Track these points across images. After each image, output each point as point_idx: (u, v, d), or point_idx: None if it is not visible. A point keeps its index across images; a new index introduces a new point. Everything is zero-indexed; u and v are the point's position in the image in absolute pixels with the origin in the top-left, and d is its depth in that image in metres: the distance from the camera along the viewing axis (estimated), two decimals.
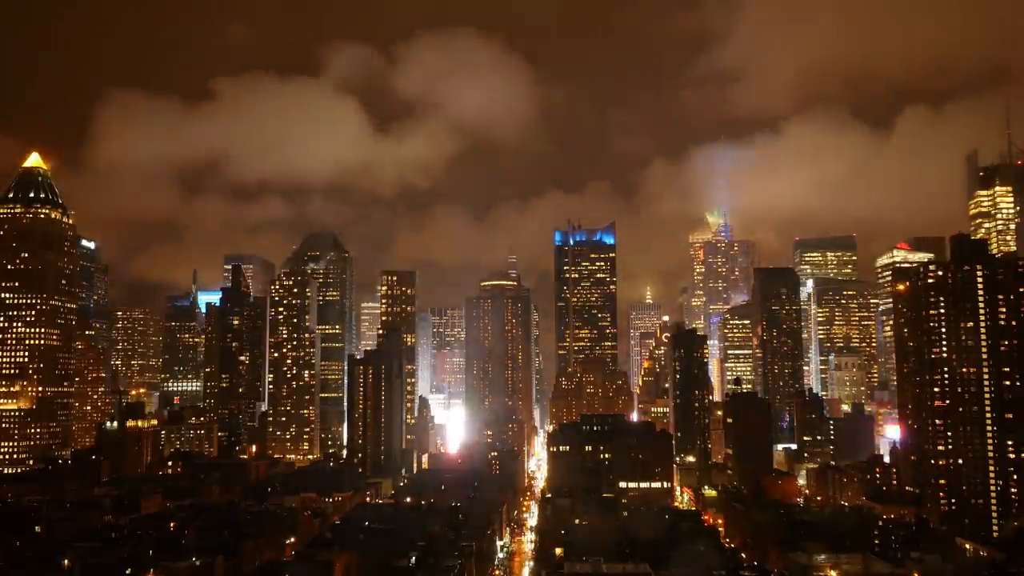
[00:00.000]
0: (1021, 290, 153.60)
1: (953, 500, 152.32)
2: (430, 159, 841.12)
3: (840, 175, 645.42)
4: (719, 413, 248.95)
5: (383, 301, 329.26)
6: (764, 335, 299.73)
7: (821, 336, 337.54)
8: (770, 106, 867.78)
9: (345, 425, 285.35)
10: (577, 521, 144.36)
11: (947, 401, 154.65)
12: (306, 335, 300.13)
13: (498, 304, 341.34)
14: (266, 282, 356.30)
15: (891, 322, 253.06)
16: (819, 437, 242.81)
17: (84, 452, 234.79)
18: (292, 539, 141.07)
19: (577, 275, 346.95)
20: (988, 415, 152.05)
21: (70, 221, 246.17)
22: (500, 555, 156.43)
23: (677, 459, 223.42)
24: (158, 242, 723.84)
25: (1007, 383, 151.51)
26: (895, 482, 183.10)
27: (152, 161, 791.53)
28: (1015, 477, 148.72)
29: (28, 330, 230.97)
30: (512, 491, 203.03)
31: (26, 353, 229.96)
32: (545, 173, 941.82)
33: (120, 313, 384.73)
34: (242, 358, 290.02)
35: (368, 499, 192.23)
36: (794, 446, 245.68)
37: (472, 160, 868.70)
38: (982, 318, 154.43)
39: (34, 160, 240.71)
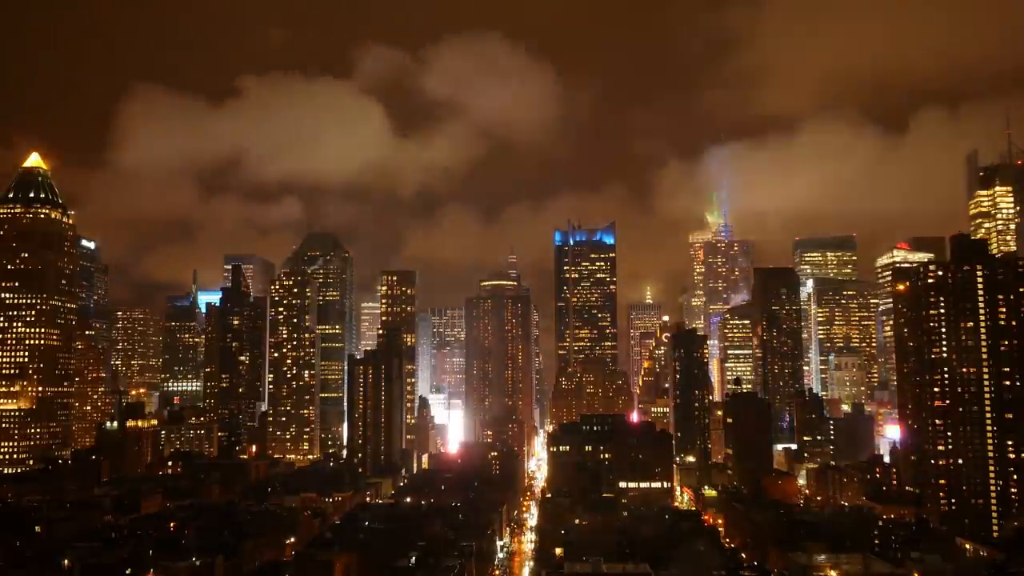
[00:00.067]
0: (1021, 290, 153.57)
1: (953, 500, 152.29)
2: (449, 162, 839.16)
3: (849, 176, 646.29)
4: (719, 413, 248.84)
5: (383, 301, 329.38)
6: (764, 335, 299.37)
7: (821, 336, 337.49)
8: (787, 108, 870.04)
9: (345, 425, 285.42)
10: (577, 521, 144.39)
11: (947, 401, 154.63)
12: (306, 335, 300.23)
13: (498, 304, 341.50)
14: (266, 282, 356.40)
15: (891, 322, 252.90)
16: (819, 437, 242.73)
17: (84, 452, 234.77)
18: (292, 539, 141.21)
19: (577, 275, 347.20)
20: (988, 415, 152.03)
21: (70, 221, 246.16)
22: (500, 555, 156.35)
23: (677, 459, 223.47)
24: (172, 242, 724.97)
25: (1007, 383, 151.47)
26: (895, 482, 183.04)
27: (171, 159, 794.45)
28: (1015, 477, 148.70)
29: (28, 330, 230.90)
30: (512, 491, 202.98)
31: (26, 353, 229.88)
32: (560, 175, 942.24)
33: (120, 313, 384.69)
34: (242, 358, 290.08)
35: (368, 499, 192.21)
36: (794, 446, 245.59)
37: (489, 162, 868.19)
38: (982, 318, 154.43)
39: (34, 160, 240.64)
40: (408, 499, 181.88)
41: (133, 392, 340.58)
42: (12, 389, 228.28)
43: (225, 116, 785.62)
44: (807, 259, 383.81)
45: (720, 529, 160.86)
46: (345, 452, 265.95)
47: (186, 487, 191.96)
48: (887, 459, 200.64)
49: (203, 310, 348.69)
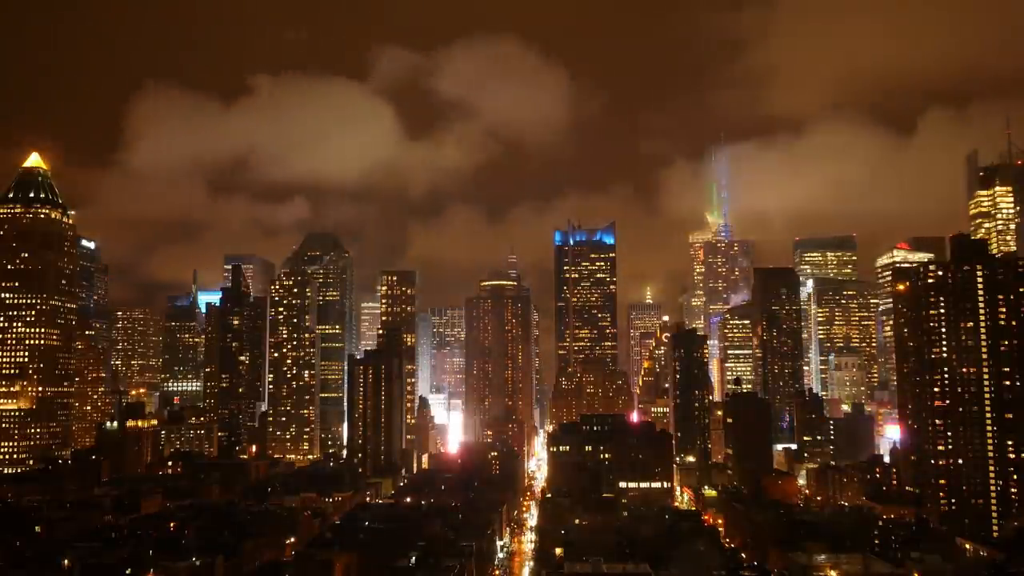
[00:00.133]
0: (1021, 290, 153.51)
1: (953, 500, 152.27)
2: (458, 163, 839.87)
3: (853, 177, 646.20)
4: (719, 413, 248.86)
5: (383, 301, 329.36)
6: (764, 335, 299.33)
7: (821, 336, 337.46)
8: (796, 108, 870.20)
9: (345, 425, 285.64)
10: (577, 521, 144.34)
11: (947, 401, 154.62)
12: (306, 335, 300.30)
13: (498, 304, 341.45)
14: (266, 282, 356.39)
15: (891, 322, 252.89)
16: (819, 437, 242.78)
17: (84, 452, 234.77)
18: (292, 539, 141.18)
19: (577, 275, 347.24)
20: (988, 415, 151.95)
21: (70, 221, 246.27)
22: (500, 555, 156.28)
23: (677, 459, 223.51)
24: (179, 242, 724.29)
25: (1007, 383, 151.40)
26: (895, 482, 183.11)
27: (181, 158, 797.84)
28: (1015, 477, 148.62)
29: (28, 330, 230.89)
30: (512, 491, 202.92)
31: (26, 353, 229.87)
32: (566, 175, 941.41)
33: (120, 313, 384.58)
34: (242, 358, 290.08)
35: (368, 499, 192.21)
36: (794, 446, 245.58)
37: (497, 163, 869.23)
38: (982, 318, 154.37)
39: (34, 160, 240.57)
40: (408, 499, 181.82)
41: (133, 392, 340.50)
42: (12, 389, 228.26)
43: (236, 115, 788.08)
44: (807, 259, 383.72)
45: (720, 529, 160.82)
46: (345, 452, 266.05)
47: (186, 487, 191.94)
48: (887, 459, 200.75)
49: (203, 310, 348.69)
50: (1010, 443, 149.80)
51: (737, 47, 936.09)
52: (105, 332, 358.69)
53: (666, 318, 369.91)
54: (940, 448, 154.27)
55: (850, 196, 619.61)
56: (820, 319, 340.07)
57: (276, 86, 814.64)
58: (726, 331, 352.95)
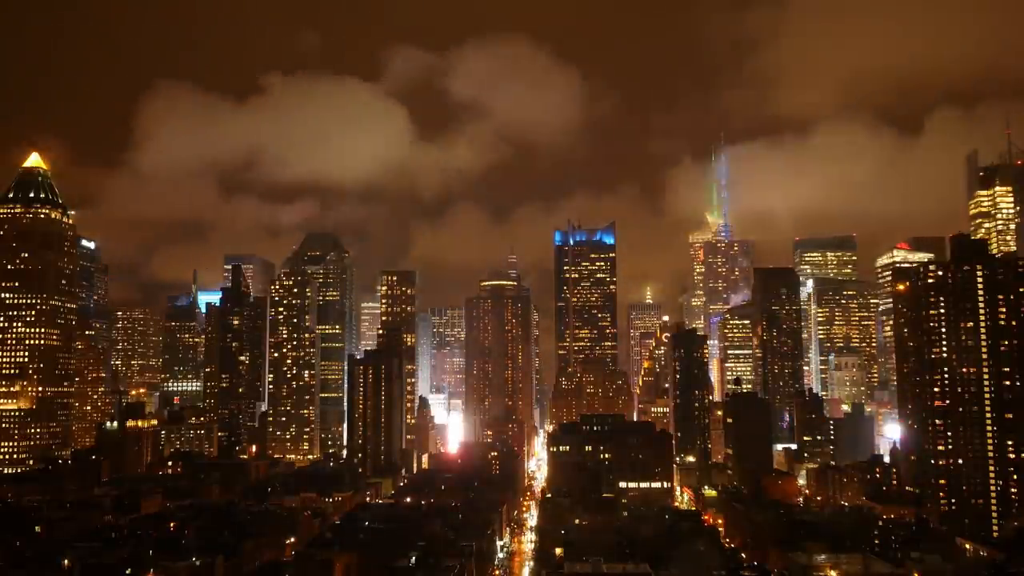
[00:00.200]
0: (1021, 290, 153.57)
1: (953, 500, 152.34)
2: (467, 164, 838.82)
3: (858, 177, 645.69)
4: (719, 413, 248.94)
5: (383, 301, 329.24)
6: (764, 335, 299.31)
7: (821, 336, 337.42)
8: (804, 109, 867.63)
9: (345, 425, 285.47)
10: (577, 521, 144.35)
11: (947, 401, 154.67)
12: (306, 335, 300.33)
13: (498, 304, 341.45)
14: (266, 282, 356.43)
15: (891, 322, 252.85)
16: (819, 437, 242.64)
17: (84, 452, 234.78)
18: (292, 539, 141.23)
19: (577, 275, 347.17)
20: (988, 415, 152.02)
21: (70, 221, 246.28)
22: (500, 555, 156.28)
23: (677, 459, 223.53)
24: (186, 243, 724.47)
25: (1007, 383, 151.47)
26: (895, 482, 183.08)
27: (190, 157, 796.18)
28: (1015, 477, 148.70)
29: (28, 330, 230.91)
30: (512, 491, 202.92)
31: (26, 353, 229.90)
32: (574, 175, 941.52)
33: (120, 313, 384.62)
34: (242, 358, 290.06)
35: (368, 499, 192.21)
36: (794, 446, 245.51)
37: (506, 164, 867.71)
38: (982, 318, 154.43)
39: (34, 160, 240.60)
40: (408, 499, 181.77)
41: (133, 392, 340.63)
42: (12, 389, 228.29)
43: (247, 114, 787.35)
44: (807, 259, 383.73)
45: (720, 529, 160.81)
46: (345, 452, 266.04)
47: (186, 487, 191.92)
48: (887, 459, 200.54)
49: (203, 310, 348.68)
50: (1010, 443, 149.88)
51: (747, 47, 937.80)
52: (105, 332, 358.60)
53: (666, 318, 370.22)
54: (940, 448, 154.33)
55: (853, 196, 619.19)
56: (820, 319, 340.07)
57: (288, 86, 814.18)
58: (726, 331, 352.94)
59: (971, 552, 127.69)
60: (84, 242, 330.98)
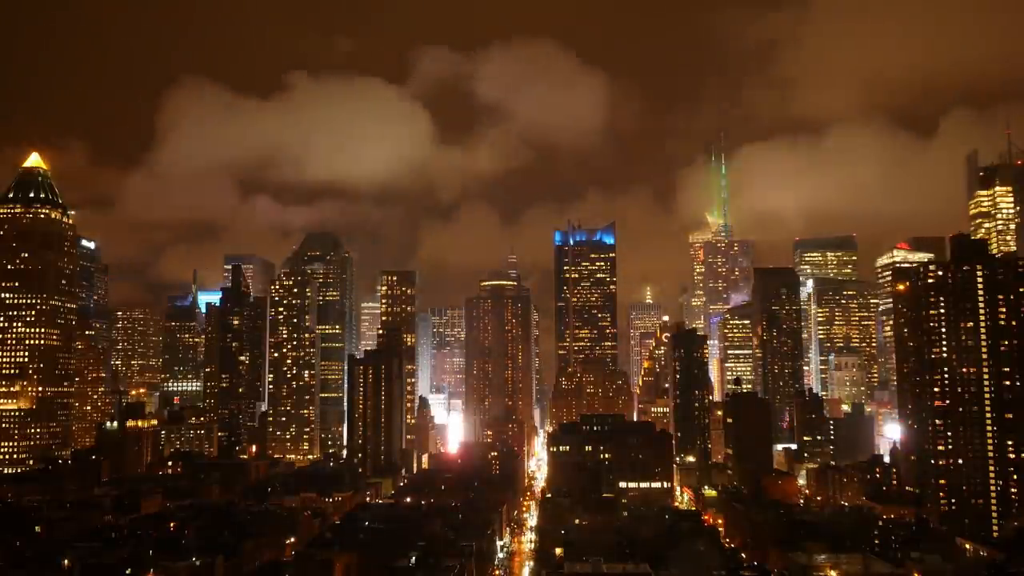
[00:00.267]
0: (1021, 290, 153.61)
1: (953, 500, 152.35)
2: (487, 167, 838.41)
3: (867, 179, 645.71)
4: (719, 413, 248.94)
5: (383, 301, 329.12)
6: (764, 335, 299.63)
7: (821, 336, 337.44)
8: (820, 111, 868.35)
9: (345, 425, 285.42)
10: (577, 521, 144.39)
11: (947, 401, 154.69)
12: (306, 335, 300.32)
13: (498, 304, 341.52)
14: (266, 282, 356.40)
15: (891, 322, 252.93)
16: (819, 437, 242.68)
17: (84, 452, 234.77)
18: (292, 539, 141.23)
19: (577, 275, 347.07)
20: (988, 415, 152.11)
21: (70, 221, 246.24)
22: (500, 555, 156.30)
23: (677, 459, 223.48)
24: (201, 243, 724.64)
25: (1007, 383, 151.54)
26: (895, 482, 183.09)
27: (209, 156, 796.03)
28: (1015, 477, 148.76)
29: (28, 330, 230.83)
30: (512, 491, 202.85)
31: (26, 353, 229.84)
32: (592, 177, 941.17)
33: (120, 313, 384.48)
34: (242, 358, 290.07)
35: (368, 499, 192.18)
36: (794, 446, 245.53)
37: (529, 168, 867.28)
38: (982, 318, 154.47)
39: (34, 160, 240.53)
40: (408, 499, 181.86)
41: (133, 392, 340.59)
42: (12, 389, 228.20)
43: (269, 114, 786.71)
44: (807, 259, 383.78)
45: (720, 529, 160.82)
46: (345, 452, 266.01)
47: (186, 487, 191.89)
48: (887, 459, 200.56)
49: (203, 310, 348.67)
50: (1010, 443, 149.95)
51: (769, 48, 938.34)
52: (105, 332, 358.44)
53: (666, 318, 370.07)
54: (940, 448, 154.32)
55: (859, 197, 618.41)
56: (820, 319, 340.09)
57: (312, 86, 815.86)
58: (726, 331, 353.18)
59: (971, 552, 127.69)
60: (84, 242, 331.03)
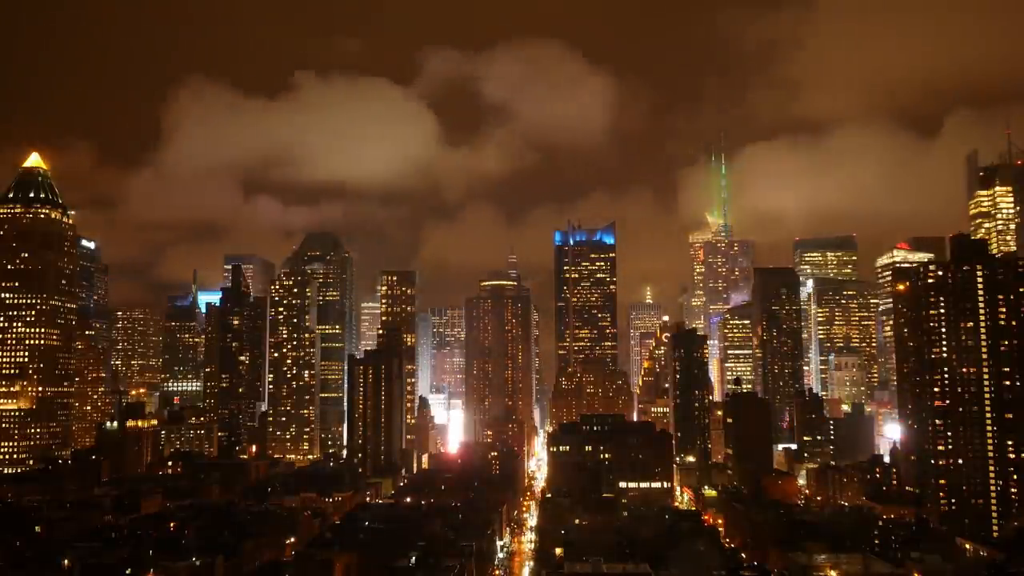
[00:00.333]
0: (1021, 290, 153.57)
1: (953, 500, 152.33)
2: (494, 168, 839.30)
3: (870, 178, 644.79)
4: (719, 413, 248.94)
5: (383, 301, 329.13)
6: (764, 335, 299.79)
7: (821, 336, 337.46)
8: (826, 111, 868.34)
9: (345, 425, 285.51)
10: (577, 521, 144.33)
11: (947, 401, 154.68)
12: (306, 335, 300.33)
13: (498, 304, 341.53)
14: (266, 282, 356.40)
15: (891, 322, 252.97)
16: (819, 437, 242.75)
17: (84, 452, 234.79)
18: (292, 539, 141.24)
19: (577, 275, 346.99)
20: (988, 415, 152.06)
21: (70, 221, 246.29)
22: (500, 555, 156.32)
23: (677, 459, 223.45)
24: (203, 242, 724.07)
25: (1007, 383, 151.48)
26: (895, 482, 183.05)
27: (213, 156, 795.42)
28: (1015, 477, 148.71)
29: (28, 330, 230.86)
30: (512, 491, 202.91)
31: (26, 353, 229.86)
32: (594, 177, 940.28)
33: (120, 313, 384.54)
34: (242, 358, 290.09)
35: (368, 499, 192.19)
36: (794, 446, 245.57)
37: (530, 167, 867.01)
38: (982, 318, 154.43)
39: (34, 160, 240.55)
40: (408, 499, 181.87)
41: (133, 392, 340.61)
42: (12, 389, 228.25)
43: (275, 113, 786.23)
44: (807, 259, 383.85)
45: (720, 529, 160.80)
46: (345, 452, 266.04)
47: (186, 487, 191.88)
48: (887, 459, 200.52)
49: (203, 310, 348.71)
50: (1010, 443, 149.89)
51: (774, 49, 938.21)
52: (105, 332, 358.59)
53: (666, 318, 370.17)
54: (940, 448, 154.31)
55: (860, 197, 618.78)
56: (820, 319, 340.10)
57: (319, 86, 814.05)
58: (726, 331, 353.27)
59: (971, 552, 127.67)
60: (84, 242, 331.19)
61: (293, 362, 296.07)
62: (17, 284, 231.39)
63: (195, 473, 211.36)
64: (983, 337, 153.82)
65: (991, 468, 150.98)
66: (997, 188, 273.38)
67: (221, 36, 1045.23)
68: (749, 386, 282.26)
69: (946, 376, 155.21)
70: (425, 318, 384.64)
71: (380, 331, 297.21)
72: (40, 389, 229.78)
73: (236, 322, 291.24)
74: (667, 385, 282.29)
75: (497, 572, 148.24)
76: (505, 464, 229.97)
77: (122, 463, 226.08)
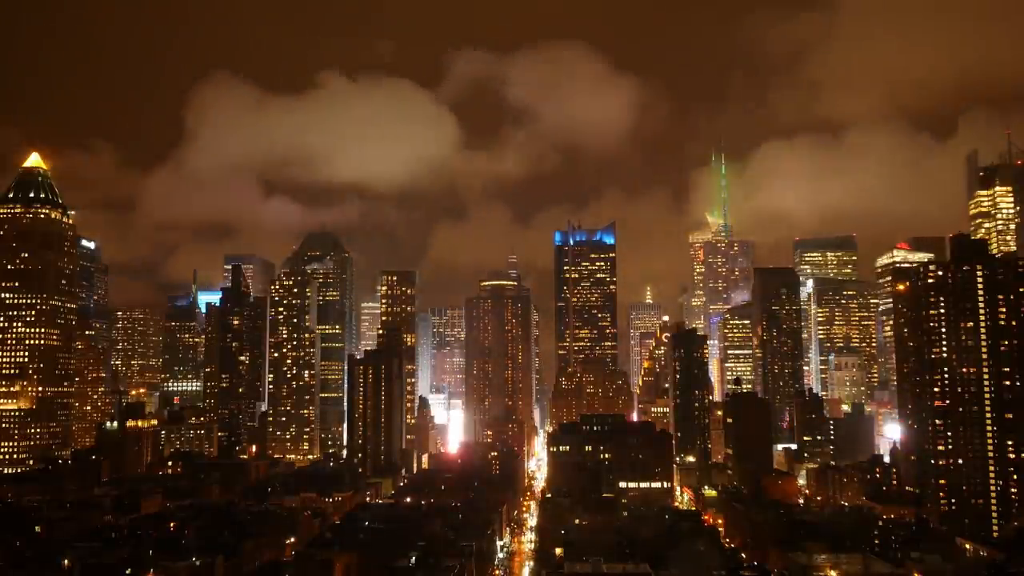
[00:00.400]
0: (1021, 290, 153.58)
1: (953, 500, 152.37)
2: (511, 169, 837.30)
3: (880, 179, 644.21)
4: (719, 413, 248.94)
5: (383, 301, 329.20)
6: (764, 335, 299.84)
7: (821, 336, 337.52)
8: (845, 112, 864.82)
9: (345, 425, 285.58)
10: (577, 521, 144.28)
11: (947, 401, 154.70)
12: (306, 335, 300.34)
13: (498, 304, 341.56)
14: (266, 282, 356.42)
15: (891, 322, 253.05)
16: (819, 437, 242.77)
17: (84, 452, 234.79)
18: (292, 539, 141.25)
19: (577, 275, 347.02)
20: (988, 415, 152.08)
21: (70, 221, 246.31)
22: (500, 555, 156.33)
23: (677, 459, 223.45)
24: (219, 242, 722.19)
25: (1007, 383, 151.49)
26: (895, 482, 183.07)
27: (234, 155, 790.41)
28: (1015, 477, 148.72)
29: (28, 330, 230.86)
30: (512, 491, 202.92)
31: (26, 353, 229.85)
32: (611, 178, 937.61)
33: (120, 313, 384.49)
34: (242, 358, 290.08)
35: (368, 499, 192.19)
36: (794, 446, 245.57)
37: (550, 170, 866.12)
38: (982, 318, 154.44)
39: (34, 160, 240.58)
40: (408, 499, 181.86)
41: (133, 392, 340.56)
42: (12, 389, 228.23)
43: (296, 113, 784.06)
44: (807, 259, 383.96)
45: (720, 529, 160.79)
46: (345, 452, 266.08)
47: (186, 487, 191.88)
48: (887, 459, 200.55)
49: (203, 310, 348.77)
50: (1010, 443, 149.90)
51: (797, 50, 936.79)
52: (105, 332, 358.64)
53: (666, 318, 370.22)
54: (940, 448, 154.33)
55: (862, 198, 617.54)
56: (820, 319, 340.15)
57: (343, 86, 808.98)
58: (726, 331, 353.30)
59: (971, 552, 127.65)
60: (84, 242, 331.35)
61: (293, 362, 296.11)
62: (17, 284, 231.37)
63: (195, 473, 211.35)
64: (983, 337, 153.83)
65: (991, 468, 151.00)
66: (997, 188, 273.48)
67: (252, 34, 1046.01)
68: (749, 386, 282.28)
69: (946, 376, 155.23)
70: (425, 318, 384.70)
71: (380, 331, 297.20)
72: (40, 389, 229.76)
73: (236, 322, 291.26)
74: (667, 385, 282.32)
75: (497, 572, 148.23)
76: (505, 464, 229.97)
77: (122, 463, 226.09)
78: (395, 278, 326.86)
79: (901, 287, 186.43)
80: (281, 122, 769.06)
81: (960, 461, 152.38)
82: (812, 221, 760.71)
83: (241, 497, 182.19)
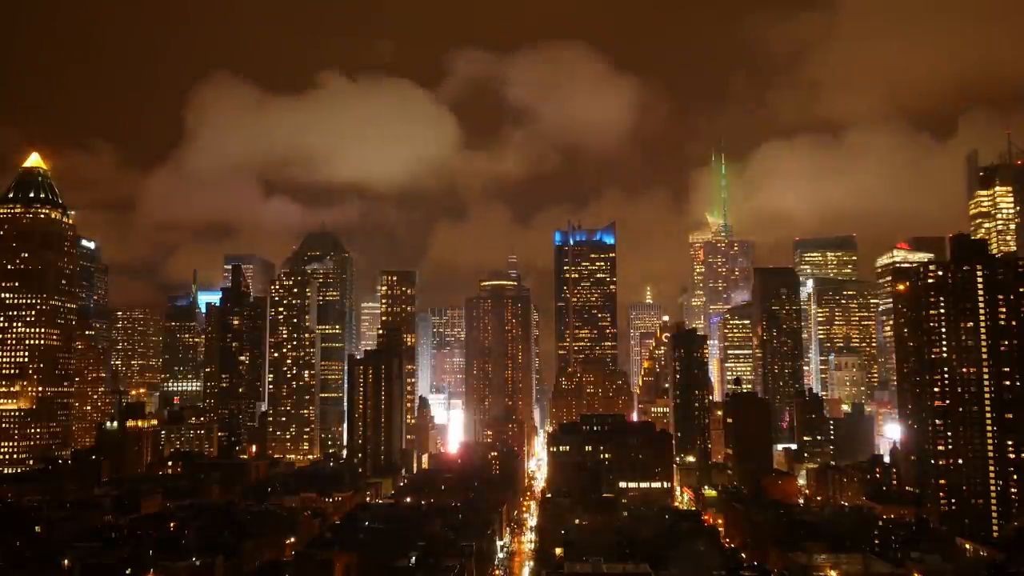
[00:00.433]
0: (1021, 290, 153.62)
1: (953, 500, 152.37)
2: (510, 170, 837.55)
3: (880, 179, 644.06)
4: (719, 413, 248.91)
5: (383, 301, 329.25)
6: (764, 335, 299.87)
7: (821, 336, 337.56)
8: (845, 112, 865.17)
9: (345, 425, 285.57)
10: (577, 521, 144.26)
11: (947, 401, 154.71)
12: (306, 335, 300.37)
13: (498, 304, 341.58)
14: (266, 282, 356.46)
15: (891, 322, 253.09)
16: (819, 437, 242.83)
17: (84, 452, 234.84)
18: (292, 539, 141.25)
19: (577, 275, 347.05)
20: (988, 415, 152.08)
21: (70, 221, 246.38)
22: (500, 555, 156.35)
23: (677, 459, 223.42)
24: (219, 243, 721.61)
25: (1007, 383, 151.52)
26: (895, 482, 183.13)
27: (234, 154, 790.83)
28: (1015, 477, 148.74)
29: (28, 330, 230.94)
30: (512, 491, 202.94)
31: (26, 353, 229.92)
32: (611, 178, 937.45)
33: (120, 313, 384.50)
34: (242, 358, 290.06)
35: (368, 499, 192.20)
36: (794, 446, 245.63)
37: (549, 170, 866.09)
38: (982, 318, 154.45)
39: (34, 160, 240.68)
40: (408, 499, 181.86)
41: (133, 392, 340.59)
42: (12, 389, 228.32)
43: (296, 113, 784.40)
44: (807, 259, 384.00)
45: (720, 529, 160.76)
46: (345, 452, 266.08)
47: (186, 487, 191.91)
48: (887, 459, 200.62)
49: (203, 310, 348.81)
50: (1010, 443, 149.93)
51: (796, 51, 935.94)
52: (105, 332, 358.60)
53: (666, 318, 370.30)
54: (940, 448, 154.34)
55: (863, 198, 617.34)
56: (820, 319, 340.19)
57: (343, 86, 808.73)
58: (726, 331, 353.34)
59: (971, 552, 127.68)
60: (84, 242, 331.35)
61: (293, 362, 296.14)
62: (17, 284, 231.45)
63: (195, 473, 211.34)
64: (983, 337, 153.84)
65: (991, 468, 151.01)
66: (997, 188, 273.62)
67: (252, 34, 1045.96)
68: (749, 386, 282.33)
69: (946, 376, 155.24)
70: (425, 318, 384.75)
71: (380, 331, 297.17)
72: (40, 389, 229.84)
73: (236, 322, 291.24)
74: (667, 385, 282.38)
75: (497, 572, 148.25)
76: (505, 464, 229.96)
77: (122, 463, 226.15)
78: (395, 278, 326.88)
79: (901, 287, 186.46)
80: (281, 122, 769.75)
81: (960, 461, 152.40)
82: (812, 221, 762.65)
83: (241, 497, 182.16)
